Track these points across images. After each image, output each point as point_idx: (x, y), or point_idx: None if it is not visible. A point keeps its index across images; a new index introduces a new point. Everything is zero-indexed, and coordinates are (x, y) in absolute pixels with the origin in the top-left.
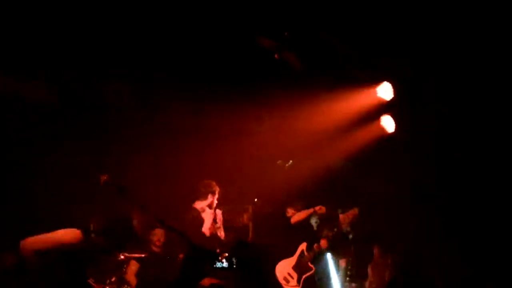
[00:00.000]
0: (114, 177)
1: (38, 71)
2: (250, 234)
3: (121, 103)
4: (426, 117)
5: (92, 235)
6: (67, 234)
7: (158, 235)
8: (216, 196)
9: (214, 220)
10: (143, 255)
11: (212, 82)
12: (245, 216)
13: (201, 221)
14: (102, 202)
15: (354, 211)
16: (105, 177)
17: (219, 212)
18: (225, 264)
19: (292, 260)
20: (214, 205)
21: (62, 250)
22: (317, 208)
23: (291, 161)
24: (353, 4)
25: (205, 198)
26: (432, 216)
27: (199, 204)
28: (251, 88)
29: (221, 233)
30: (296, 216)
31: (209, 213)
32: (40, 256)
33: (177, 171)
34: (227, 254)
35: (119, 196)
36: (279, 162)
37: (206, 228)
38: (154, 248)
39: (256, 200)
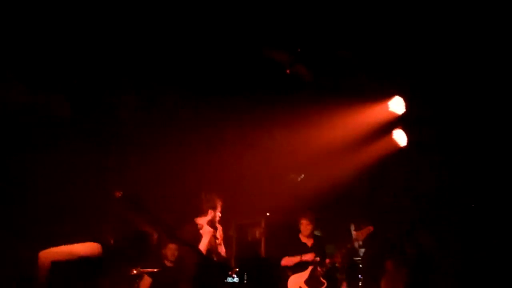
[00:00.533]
0: (128, 192)
1: (49, 82)
2: (263, 248)
3: (132, 115)
4: (437, 131)
5: (111, 249)
6: (87, 248)
7: (172, 250)
8: (218, 210)
9: (214, 237)
10: (155, 270)
11: (224, 95)
12: (257, 231)
13: (198, 238)
14: (119, 216)
15: (369, 229)
16: (120, 193)
17: (219, 228)
18: (235, 279)
19: (304, 275)
20: (217, 219)
21: (79, 262)
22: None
23: (303, 175)
24: (366, 18)
25: (206, 214)
26: (447, 228)
27: (200, 220)
28: (263, 101)
29: (222, 249)
30: (285, 261)
31: (207, 230)
32: (56, 267)
33: (187, 185)
34: (238, 269)
35: (134, 211)
36: (291, 176)
37: (203, 245)
38: (167, 263)
39: (268, 214)
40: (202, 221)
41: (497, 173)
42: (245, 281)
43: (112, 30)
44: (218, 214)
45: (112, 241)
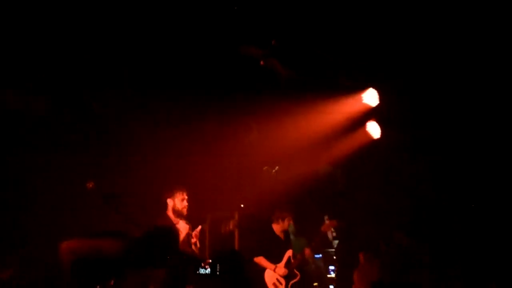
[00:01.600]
0: (100, 183)
1: (31, 82)
2: (236, 240)
3: (108, 111)
4: (412, 123)
5: (133, 246)
6: (109, 242)
7: None
8: (177, 198)
9: (189, 235)
10: None
11: (199, 90)
12: (231, 223)
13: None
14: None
15: (332, 223)
16: (91, 184)
17: (197, 229)
18: (208, 271)
19: (280, 266)
20: (180, 208)
21: (99, 254)
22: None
23: (277, 167)
24: (339, 12)
25: (167, 204)
26: (422, 220)
27: (169, 212)
28: (237, 95)
29: (196, 248)
30: (260, 260)
31: (182, 226)
32: (74, 256)
33: (160, 179)
34: (210, 261)
35: (105, 203)
36: (265, 168)
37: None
38: None
39: (242, 206)
40: (169, 212)
41: (473, 165)
42: (218, 273)
43: (94, 30)
44: (181, 203)
45: (134, 238)
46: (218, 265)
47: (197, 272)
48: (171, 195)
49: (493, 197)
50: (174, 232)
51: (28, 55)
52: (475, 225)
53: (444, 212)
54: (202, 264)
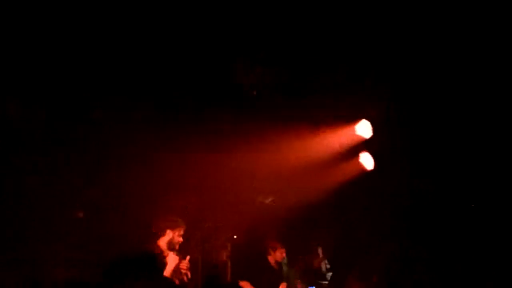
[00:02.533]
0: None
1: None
2: (229, 271)
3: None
4: (405, 154)
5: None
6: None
7: None
8: (177, 232)
9: (178, 268)
10: None
11: (190, 115)
12: (224, 253)
13: (163, 263)
14: None
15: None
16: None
17: (185, 261)
18: None
19: None
20: (176, 242)
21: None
22: None
23: (270, 198)
24: (334, 38)
25: (164, 233)
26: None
27: (161, 241)
28: (229, 124)
29: (187, 279)
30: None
31: (172, 257)
32: None
33: (151, 207)
34: None
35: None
36: (259, 199)
37: (168, 272)
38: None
39: (235, 237)
40: (162, 242)
41: (467, 197)
42: None
43: (87, 34)
44: (179, 238)
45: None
46: None
47: None
48: (174, 227)
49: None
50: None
51: (27, 62)
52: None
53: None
54: None
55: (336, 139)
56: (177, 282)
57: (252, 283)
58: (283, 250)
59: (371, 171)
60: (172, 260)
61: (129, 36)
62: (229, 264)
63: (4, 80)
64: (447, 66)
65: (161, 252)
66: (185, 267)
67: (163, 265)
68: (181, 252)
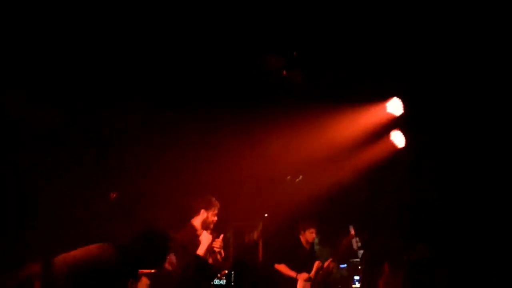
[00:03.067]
0: (124, 194)
1: (45, 95)
2: (260, 251)
3: (130, 118)
4: (436, 132)
5: (127, 250)
6: (100, 249)
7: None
8: (213, 212)
9: (211, 247)
10: (153, 271)
11: (222, 100)
12: (255, 233)
13: (195, 242)
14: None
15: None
16: (114, 195)
17: (218, 239)
18: (222, 282)
19: (311, 277)
20: (210, 220)
21: (95, 265)
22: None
23: (300, 177)
24: (362, 19)
25: (198, 213)
26: (446, 231)
27: (194, 221)
28: (260, 105)
29: (219, 256)
30: (282, 268)
31: (206, 237)
32: (73, 272)
33: (184, 188)
34: (226, 272)
35: (127, 215)
36: (288, 178)
37: (201, 251)
38: (168, 266)
39: (265, 216)
40: (196, 222)
41: (497, 176)
42: (232, 284)
43: (103, 38)
44: (213, 217)
45: (126, 242)
46: (233, 276)
47: (212, 283)
48: (209, 207)
49: None
50: (166, 238)
51: (41, 67)
52: (500, 238)
53: (469, 222)
54: (218, 276)
55: (366, 117)
56: (210, 260)
57: (284, 263)
58: (314, 230)
59: (403, 149)
60: (205, 238)
61: (142, 34)
62: (260, 243)
63: (7, 79)
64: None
65: (195, 230)
66: (218, 246)
67: (197, 243)
68: (214, 231)
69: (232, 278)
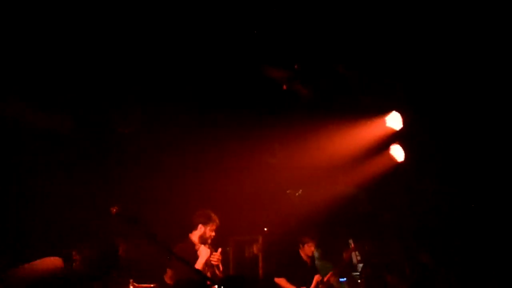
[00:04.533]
0: (124, 207)
1: (52, 98)
2: (260, 264)
3: (132, 131)
4: (436, 146)
5: (75, 263)
6: (47, 263)
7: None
8: (211, 227)
9: (209, 261)
10: (152, 285)
11: (223, 113)
12: (255, 247)
13: (193, 256)
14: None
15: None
16: (115, 208)
17: (216, 253)
18: None
19: None
20: (208, 237)
21: (46, 279)
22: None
23: (300, 191)
24: (362, 34)
25: (196, 227)
26: (446, 241)
27: (193, 235)
28: (262, 118)
29: (219, 271)
30: (282, 282)
31: (204, 251)
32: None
33: (184, 202)
34: (216, 286)
35: (130, 227)
36: (288, 191)
37: (199, 265)
38: (167, 280)
39: (265, 230)
40: (194, 236)
41: (496, 186)
42: None
43: (114, 46)
44: (211, 232)
45: (74, 254)
46: None
47: None
48: (207, 222)
49: None
50: (116, 249)
51: (53, 73)
52: (503, 246)
53: (470, 232)
54: None
55: (366, 131)
56: (208, 274)
57: (284, 277)
58: (312, 244)
59: (402, 163)
60: (203, 253)
61: (148, 41)
62: (260, 257)
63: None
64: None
65: (194, 245)
66: (216, 260)
67: (195, 257)
68: (213, 245)
69: None
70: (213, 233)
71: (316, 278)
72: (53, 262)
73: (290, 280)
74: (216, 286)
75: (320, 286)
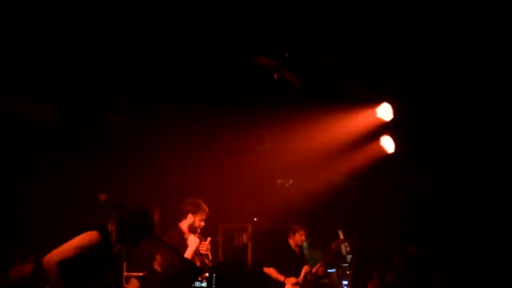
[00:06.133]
0: (113, 195)
1: (39, 88)
2: (249, 253)
3: (122, 119)
4: (425, 137)
5: (111, 234)
6: (85, 238)
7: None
8: (200, 217)
9: (198, 250)
10: (141, 274)
11: (213, 102)
12: (245, 235)
13: (182, 244)
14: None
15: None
16: (104, 196)
17: (205, 242)
18: (204, 284)
19: (298, 281)
20: (197, 226)
21: (84, 254)
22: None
23: (291, 180)
24: (353, 24)
25: (185, 217)
26: (433, 231)
27: (182, 224)
28: (252, 107)
29: (209, 260)
30: (270, 271)
31: (193, 240)
32: (63, 266)
33: (174, 189)
34: (207, 274)
35: (117, 214)
36: (279, 181)
37: (188, 254)
38: (157, 267)
39: (255, 219)
40: (183, 225)
41: (487, 177)
42: (213, 287)
43: (103, 35)
44: (200, 222)
45: (109, 227)
46: (214, 279)
47: (193, 285)
48: (196, 211)
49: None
50: (149, 213)
51: (42, 62)
52: (487, 235)
53: (456, 223)
54: (199, 278)
55: (357, 121)
56: (198, 263)
57: (274, 267)
58: (303, 233)
59: (392, 154)
60: (192, 241)
61: (137, 38)
62: (250, 246)
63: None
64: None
65: (183, 234)
66: (205, 249)
67: (185, 246)
68: (202, 234)
69: (214, 281)
70: (203, 223)
71: (305, 269)
72: (90, 235)
73: (278, 269)
74: (207, 274)
75: (308, 276)
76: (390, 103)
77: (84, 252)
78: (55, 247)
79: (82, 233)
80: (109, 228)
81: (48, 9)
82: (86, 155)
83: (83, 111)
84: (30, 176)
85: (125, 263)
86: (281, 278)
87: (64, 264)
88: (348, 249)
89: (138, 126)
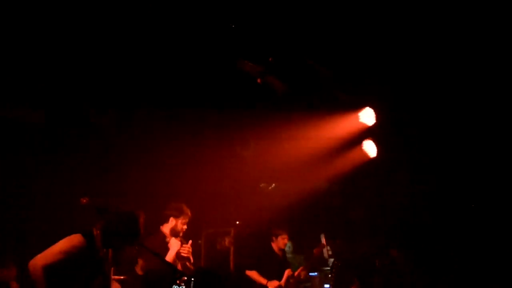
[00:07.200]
0: (95, 199)
1: (24, 92)
2: (231, 257)
3: (106, 123)
4: (408, 142)
5: (96, 238)
6: (69, 241)
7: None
8: (181, 220)
9: (180, 253)
10: (122, 277)
11: (198, 106)
12: (227, 239)
13: (164, 248)
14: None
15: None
16: (85, 200)
17: (186, 246)
18: None
19: (281, 285)
20: (179, 230)
21: (69, 258)
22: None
23: (273, 184)
24: (337, 29)
25: (167, 220)
26: (415, 236)
27: (164, 227)
28: (236, 112)
29: (190, 264)
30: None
31: (174, 243)
32: (49, 271)
33: (157, 193)
34: (186, 278)
35: (100, 218)
36: (262, 185)
37: (169, 257)
38: (139, 271)
39: (237, 223)
40: (165, 229)
41: (469, 181)
42: None
43: (89, 39)
44: (182, 225)
45: (94, 230)
46: (192, 283)
47: None
48: (178, 215)
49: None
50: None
51: (27, 65)
52: (470, 240)
53: (439, 226)
54: (177, 282)
55: (339, 126)
56: (179, 267)
57: (256, 270)
58: (286, 237)
59: (375, 158)
60: (174, 245)
61: (129, 39)
62: (232, 250)
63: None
64: (454, 59)
65: (165, 237)
66: (186, 252)
67: (166, 250)
68: (184, 237)
69: (192, 285)
70: (185, 226)
71: (287, 272)
72: (73, 240)
73: (261, 273)
74: (186, 278)
75: (290, 280)
76: (372, 108)
77: (69, 256)
78: (39, 251)
79: (66, 236)
80: (94, 232)
81: (32, 13)
82: (71, 159)
83: (69, 114)
84: (15, 179)
85: (112, 268)
86: (263, 281)
87: (50, 268)
88: (330, 252)
89: (122, 130)
